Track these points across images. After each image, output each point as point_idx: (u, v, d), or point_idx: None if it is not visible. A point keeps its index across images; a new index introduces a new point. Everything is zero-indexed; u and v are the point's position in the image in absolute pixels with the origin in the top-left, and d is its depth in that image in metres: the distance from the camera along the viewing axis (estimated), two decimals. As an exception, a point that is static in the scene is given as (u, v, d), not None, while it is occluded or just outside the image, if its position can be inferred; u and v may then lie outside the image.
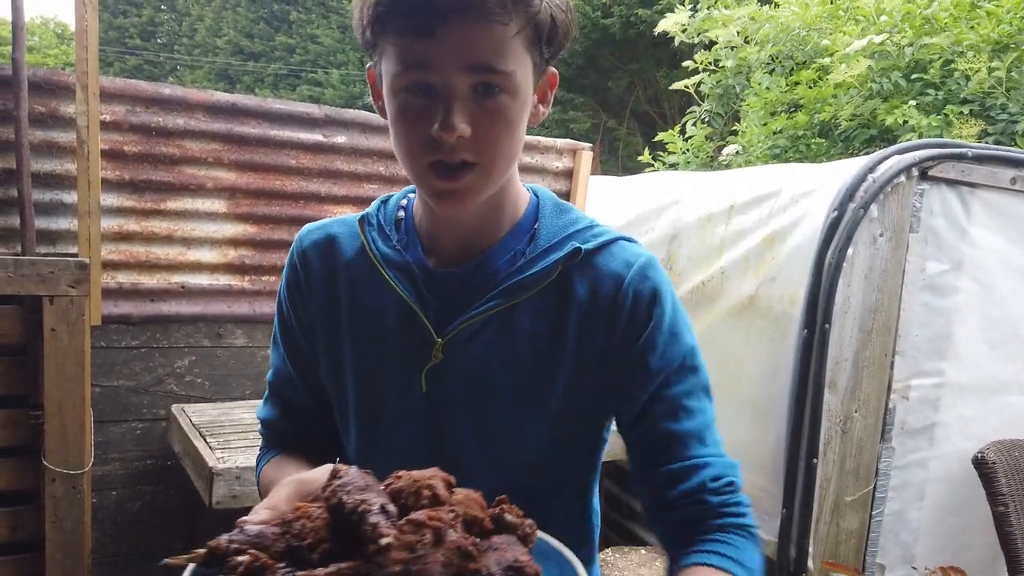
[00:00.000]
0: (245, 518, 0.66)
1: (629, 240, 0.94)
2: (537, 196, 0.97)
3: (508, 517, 0.67)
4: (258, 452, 1.09)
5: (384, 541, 0.57)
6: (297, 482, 0.72)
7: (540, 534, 0.71)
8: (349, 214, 1.03)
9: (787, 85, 3.56)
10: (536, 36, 0.81)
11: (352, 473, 0.65)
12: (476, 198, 0.85)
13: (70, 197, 2.65)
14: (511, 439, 0.91)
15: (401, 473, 0.66)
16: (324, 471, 0.72)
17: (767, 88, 3.63)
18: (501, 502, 0.69)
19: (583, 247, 0.89)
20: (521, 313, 0.89)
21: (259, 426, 1.09)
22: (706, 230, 2.48)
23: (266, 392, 1.08)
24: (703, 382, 0.90)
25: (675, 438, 0.86)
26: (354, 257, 0.97)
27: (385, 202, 1.01)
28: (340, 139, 3.03)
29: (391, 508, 0.60)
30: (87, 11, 2.45)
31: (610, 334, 0.88)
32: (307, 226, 1.02)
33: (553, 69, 0.90)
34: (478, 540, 0.63)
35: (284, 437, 1.06)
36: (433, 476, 0.66)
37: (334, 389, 1.00)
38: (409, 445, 0.93)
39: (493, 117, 0.80)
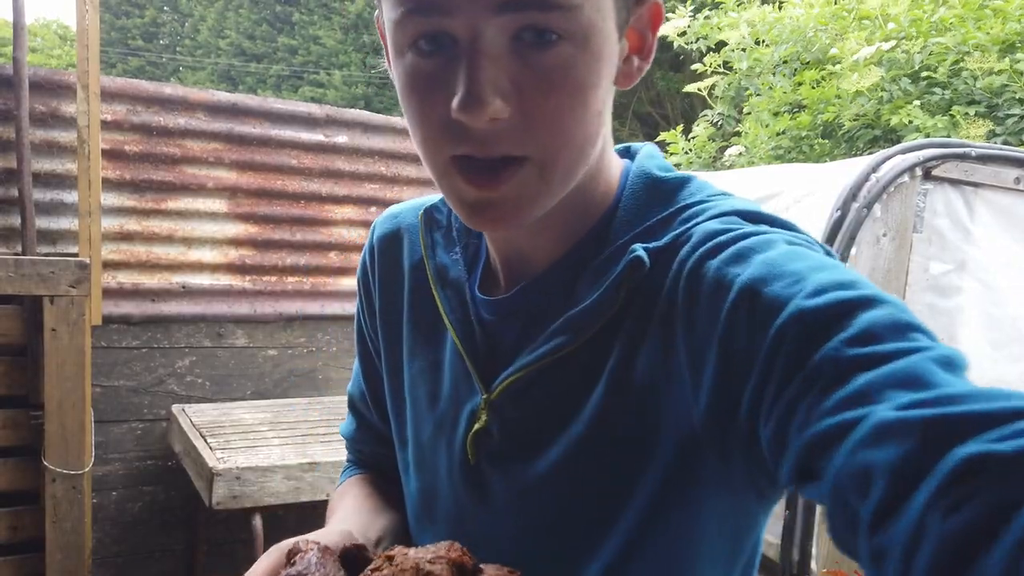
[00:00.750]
0: None
1: (732, 212, 0.58)
2: (626, 173, 0.65)
3: None
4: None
5: None
6: (280, 550, 0.57)
7: None
8: (431, 197, 0.77)
9: (791, 86, 3.55)
10: None
11: (309, 558, 0.49)
12: (529, 212, 0.56)
13: (71, 197, 2.65)
14: (578, 532, 0.61)
15: (395, 551, 0.48)
16: (327, 537, 0.59)
17: (770, 88, 3.63)
18: None
19: (646, 250, 0.57)
20: (584, 354, 0.60)
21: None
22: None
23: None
24: (889, 317, 0.43)
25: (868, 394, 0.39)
26: (418, 261, 0.74)
27: None
28: (341, 139, 3.02)
29: None
30: (88, 10, 2.45)
31: (673, 353, 0.55)
32: (386, 211, 0.80)
33: None
34: None
35: (362, 457, 0.89)
36: (437, 559, 0.47)
37: (395, 420, 0.78)
38: (456, 516, 0.69)
39: (549, 81, 0.51)
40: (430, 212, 0.73)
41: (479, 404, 0.65)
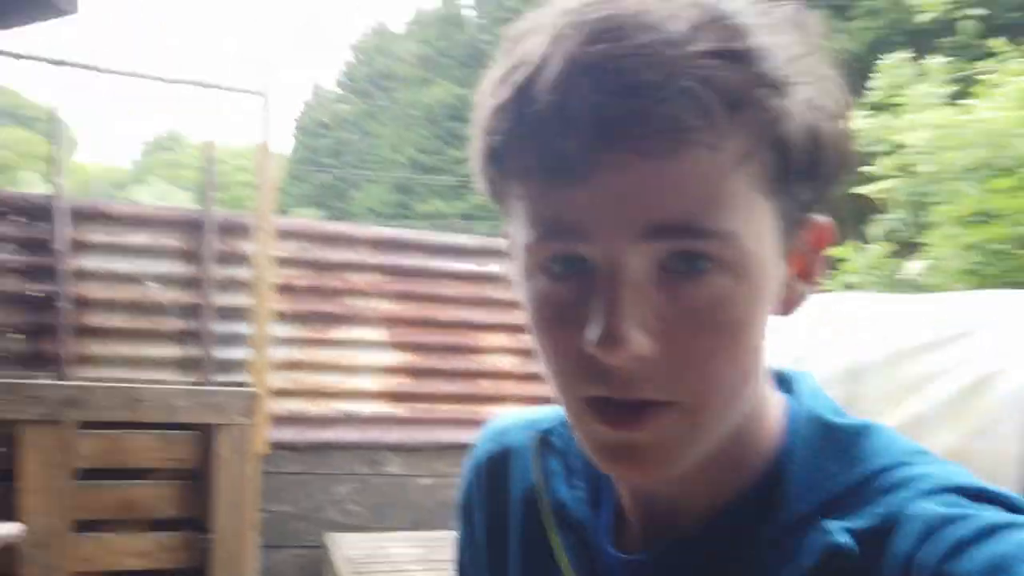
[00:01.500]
0: None
1: (952, 489, 0.48)
2: (792, 414, 0.55)
3: None
4: None
5: None
6: None
7: None
8: (543, 411, 0.67)
9: (982, 193, 3.22)
10: (780, 163, 0.46)
11: None
12: (675, 460, 0.49)
13: (245, 329, 2.83)
14: None
15: None
16: None
17: (957, 194, 3.31)
18: None
19: (847, 535, 0.47)
20: None
21: None
22: (895, 368, 2.19)
23: None
24: None
25: None
26: (530, 493, 0.63)
27: None
28: (492, 267, 3.07)
29: None
30: (266, 165, 2.68)
31: None
32: (489, 426, 0.70)
33: (821, 219, 0.52)
34: None
35: None
36: None
37: None
38: None
39: (700, 318, 0.45)
40: (547, 436, 0.63)
41: None
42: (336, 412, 2.95)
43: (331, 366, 2.93)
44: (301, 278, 2.90)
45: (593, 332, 0.44)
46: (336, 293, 2.92)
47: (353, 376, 2.95)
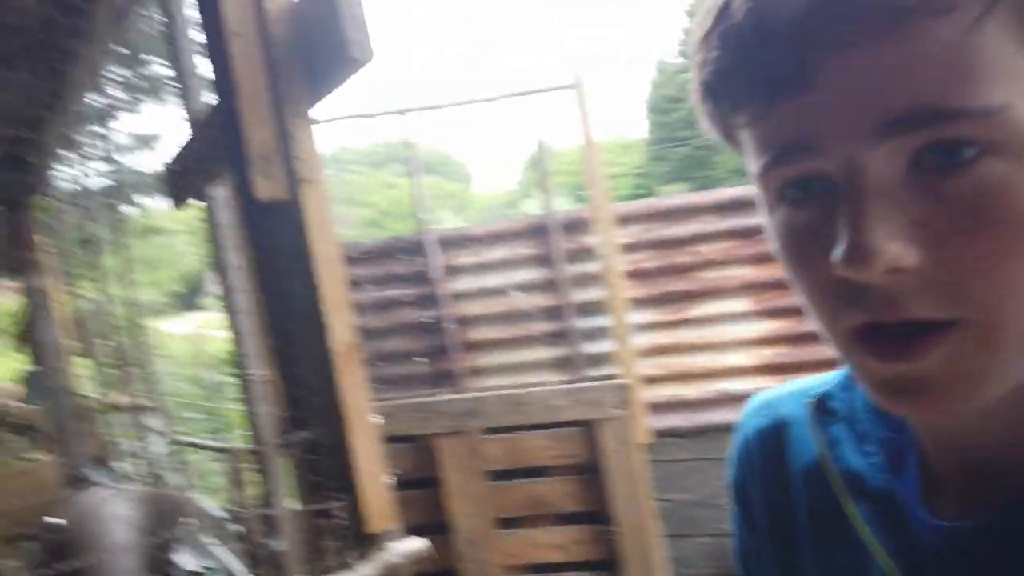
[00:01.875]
0: None
1: None
2: None
3: None
4: None
5: None
6: None
7: None
8: (815, 379, 0.62)
9: None
10: None
11: None
12: (970, 392, 0.41)
13: (606, 321, 2.83)
14: None
15: None
16: None
17: None
18: None
19: None
20: None
21: None
22: None
23: None
24: None
25: None
26: (813, 464, 0.57)
27: None
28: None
29: None
30: (592, 155, 2.64)
31: None
32: (753, 400, 0.65)
33: None
34: None
35: None
36: None
37: None
38: None
39: (974, 214, 0.37)
40: (823, 400, 0.57)
41: None
42: (715, 393, 2.79)
43: (698, 345, 2.78)
44: (649, 260, 2.81)
45: (840, 250, 0.39)
46: (688, 268, 2.77)
47: (724, 353, 2.76)
